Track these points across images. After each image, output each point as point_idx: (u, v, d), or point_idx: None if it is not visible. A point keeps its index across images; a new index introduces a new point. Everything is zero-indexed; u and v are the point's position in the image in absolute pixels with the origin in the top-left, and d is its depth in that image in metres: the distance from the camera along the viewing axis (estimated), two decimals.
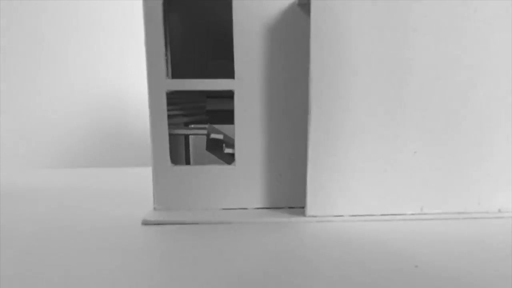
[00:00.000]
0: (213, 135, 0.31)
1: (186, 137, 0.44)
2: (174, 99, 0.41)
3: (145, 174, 0.48)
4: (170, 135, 0.34)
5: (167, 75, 0.29)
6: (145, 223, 0.26)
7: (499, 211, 0.28)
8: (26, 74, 0.66)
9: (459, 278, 0.17)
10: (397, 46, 0.26)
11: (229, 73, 0.29)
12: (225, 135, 0.31)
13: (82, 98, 0.66)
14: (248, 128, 0.29)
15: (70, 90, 0.66)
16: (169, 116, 0.36)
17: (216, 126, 0.36)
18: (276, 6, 0.28)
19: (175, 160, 0.38)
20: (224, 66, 0.31)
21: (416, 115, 0.27)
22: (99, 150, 0.67)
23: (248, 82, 0.28)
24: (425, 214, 0.27)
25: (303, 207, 0.29)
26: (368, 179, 0.27)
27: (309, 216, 0.27)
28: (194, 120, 0.43)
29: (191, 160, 0.44)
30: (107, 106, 0.67)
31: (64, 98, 0.66)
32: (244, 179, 0.30)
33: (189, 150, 0.45)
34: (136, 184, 0.44)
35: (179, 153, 0.43)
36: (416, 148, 0.27)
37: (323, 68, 0.26)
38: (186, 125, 0.42)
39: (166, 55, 0.35)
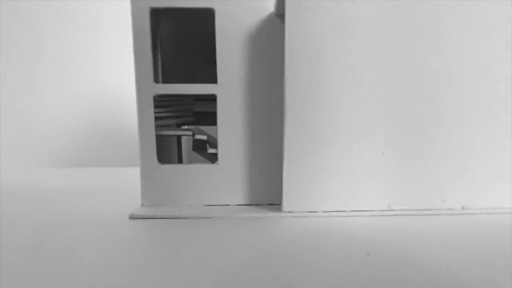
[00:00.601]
0: (197, 136, 0.33)
1: (179, 137, 0.46)
2: (168, 101, 0.43)
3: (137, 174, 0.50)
4: (163, 136, 0.36)
5: (155, 80, 0.31)
6: (132, 217, 0.28)
7: (463, 208, 0.30)
8: (25, 75, 0.68)
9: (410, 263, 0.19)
10: (367, 54, 0.28)
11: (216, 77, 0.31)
12: (209, 136, 0.33)
13: (80, 100, 0.68)
14: (230, 129, 0.31)
15: (67, 92, 0.68)
16: (162, 118, 0.38)
17: (204, 127, 0.38)
18: (256, 16, 0.30)
19: (168, 159, 0.40)
20: (212, 70, 0.33)
21: (383, 119, 0.29)
22: (94, 151, 0.69)
23: (229, 87, 0.30)
24: (392, 210, 0.29)
25: None
26: (339, 178, 0.29)
27: (285, 212, 0.29)
28: (186, 121, 0.45)
29: (184, 160, 0.46)
30: (103, 108, 0.69)
31: (62, 99, 0.68)
32: (227, 178, 0.32)
33: (181, 150, 0.47)
34: (128, 183, 0.46)
35: (172, 153, 0.45)
36: (384, 149, 0.29)
37: (297, 75, 0.28)
38: (179, 126, 0.45)
39: (156, 60, 0.37)
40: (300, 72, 0.28)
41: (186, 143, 0.47)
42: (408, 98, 0.29)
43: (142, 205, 0.31)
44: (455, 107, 0.29)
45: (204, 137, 0.33)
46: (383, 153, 0.29)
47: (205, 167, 0.31)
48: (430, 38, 0.28)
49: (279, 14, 0.29)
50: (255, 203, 0.32)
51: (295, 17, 0.27)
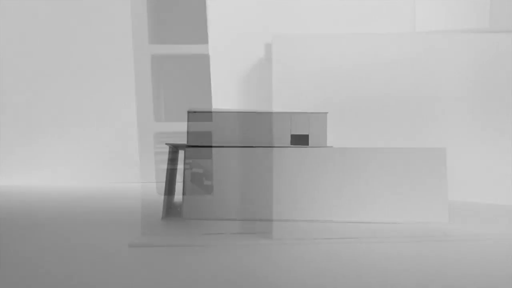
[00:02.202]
0: (194, 169, 0.36)
1: (185, 171, 0.49)
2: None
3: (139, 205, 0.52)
4: (171, 169, 0.39)
5: (156, 118, 0.34)
6: (132, 245, 0.31)
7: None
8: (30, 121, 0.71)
9: None
10: (341, 92, 0.31)
11: None
12: (205, 169, 0.36)
13: (85, 136, 0.72)
14: (225, 162, 0.34)
15: (74, 129, 0.72)
16: (172, 152, 0.41)
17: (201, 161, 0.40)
18: (247, 61, 0.33)
19: (173, 190, 0.43)
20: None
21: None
22: (99, 184, 0.72)
23: (224, 124, 0.33)
24: (376, 237, 0.31)
25: None
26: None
27: (275, 239, 0.31)
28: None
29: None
30: (108, 144, 0.72)
31: (70, 134, 0.72)
32: (222, 208, 0.34)
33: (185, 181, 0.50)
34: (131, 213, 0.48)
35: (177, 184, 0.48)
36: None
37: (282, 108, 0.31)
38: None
39: (159, 99, 0.40)
40: (284, 106, 0.31)
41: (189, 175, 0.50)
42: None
43: (143, 234, 0.33)
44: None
45: (201, 171, 0.36)
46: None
47: (202, 198, 0.34)
48: (404, 77, 0.31)
49: (268, 58, 0.33)
50: (248, 231, 0.34)
51: (280, 61, 0.30)
